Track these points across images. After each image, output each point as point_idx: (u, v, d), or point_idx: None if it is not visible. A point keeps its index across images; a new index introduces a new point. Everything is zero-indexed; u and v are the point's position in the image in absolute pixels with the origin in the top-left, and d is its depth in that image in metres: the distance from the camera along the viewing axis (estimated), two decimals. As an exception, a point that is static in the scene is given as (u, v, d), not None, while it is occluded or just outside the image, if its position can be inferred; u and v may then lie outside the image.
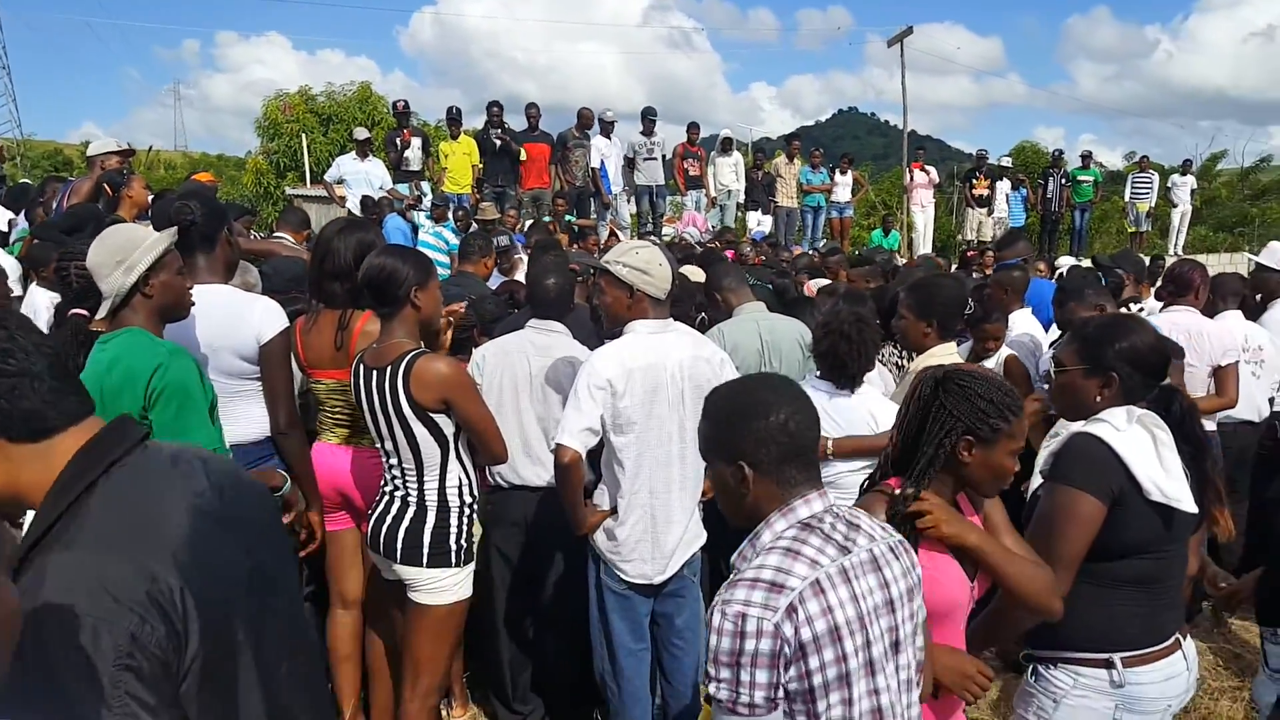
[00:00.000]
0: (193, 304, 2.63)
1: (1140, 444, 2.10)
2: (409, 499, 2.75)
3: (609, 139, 11.40)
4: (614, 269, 2.92)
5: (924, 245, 14.59)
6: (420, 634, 2.77)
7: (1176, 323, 4.52)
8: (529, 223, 10.15)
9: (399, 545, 2.72)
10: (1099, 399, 2.18)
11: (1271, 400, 4.83)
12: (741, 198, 13.08)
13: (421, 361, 2.65)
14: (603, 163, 11.18)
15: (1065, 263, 9.88)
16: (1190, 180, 16.71)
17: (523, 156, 10.98)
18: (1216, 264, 14.96)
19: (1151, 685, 2.11)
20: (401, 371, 2.64)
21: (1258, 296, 5.21)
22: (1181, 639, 2.22)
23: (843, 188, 13.85)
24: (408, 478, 2.76)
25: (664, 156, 11.98)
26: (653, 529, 2.96)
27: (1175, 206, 16.26)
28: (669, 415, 2.93)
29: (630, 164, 11.73)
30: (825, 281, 4.97)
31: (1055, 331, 4.67)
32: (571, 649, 3.48)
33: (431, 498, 2.73)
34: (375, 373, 2.71)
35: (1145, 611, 2.12)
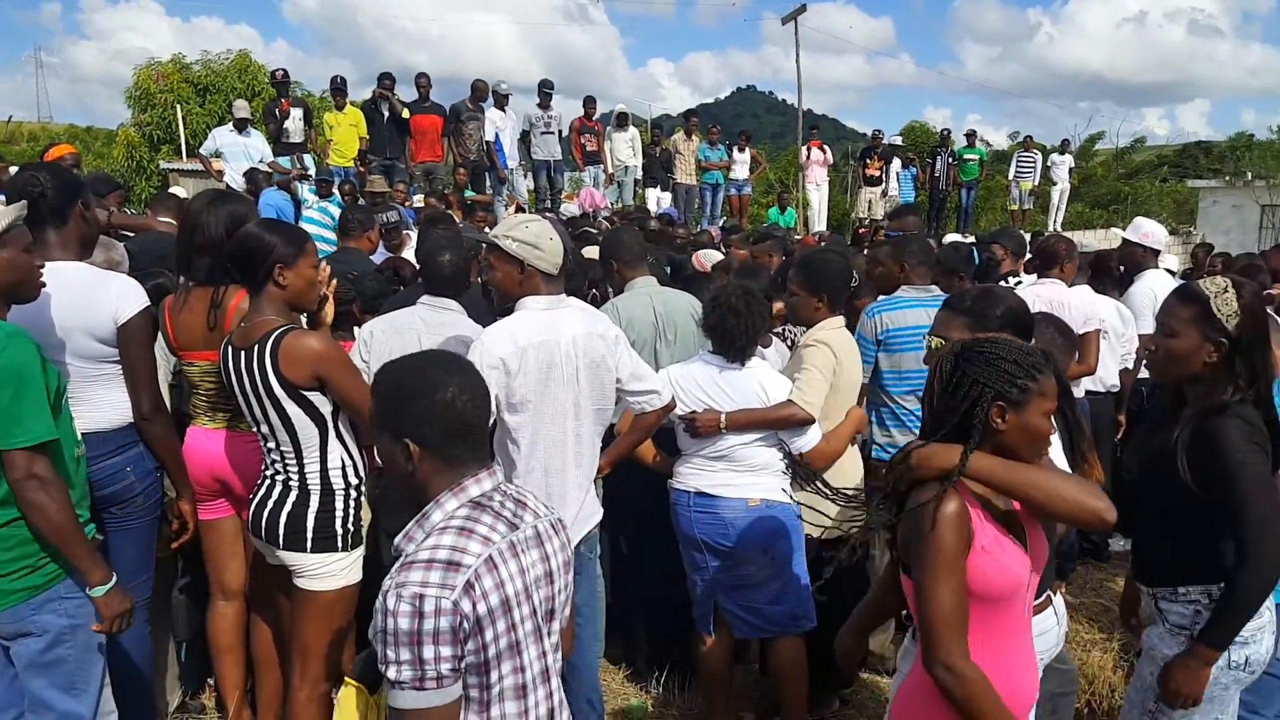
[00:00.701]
0: (43, 283, 2.45)
1: None
2: (290, 483, 2.66)
3: (504, 112, 11.17)
4: (503, 244, 2.85)
5: (819, 223, 14.88)
6: (307, 621, 2.70)
7: (1040, 294, 4.69)
8: (417, 197, 9.90)
9: (281, 531, 2.64)
10: None
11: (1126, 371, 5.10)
12: (640, 174, 13.05)
13: (289, 338, 2.55)
14: (497, 136, 10.95)
15: (951, 240, 10.22)
16: (1069, 159, 17.50)
17: (406, 114, 10.65)
18: (1093, 239, 15.79)
19: (1038, 638, 2.16)
20: (269, 349, 2.54)
21: (1122, 269, 5.48)
22: (1052, 595, 2.31)
23: (740, 165, 13.97)
24: (287, 461, 2.66)
25: (561, 131, 11.82)
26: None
27: (1055, 185, 17.02)
28: (563, 392, 2.90)
29: (526, 138, 11.54)
30: (716, 254, 4.97)
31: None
32: None
33: (314, 481, 2.65)
34: (243, 353, 2.59)
35: None
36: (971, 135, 16.69)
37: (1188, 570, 2.27)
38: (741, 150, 14.07)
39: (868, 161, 15.05)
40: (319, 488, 2.65)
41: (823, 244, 6.92)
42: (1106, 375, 4.96)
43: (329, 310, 2.87)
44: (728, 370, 3.26)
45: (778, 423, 3.24)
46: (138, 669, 2.93)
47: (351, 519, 2.67)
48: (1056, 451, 2.21)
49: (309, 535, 2.63)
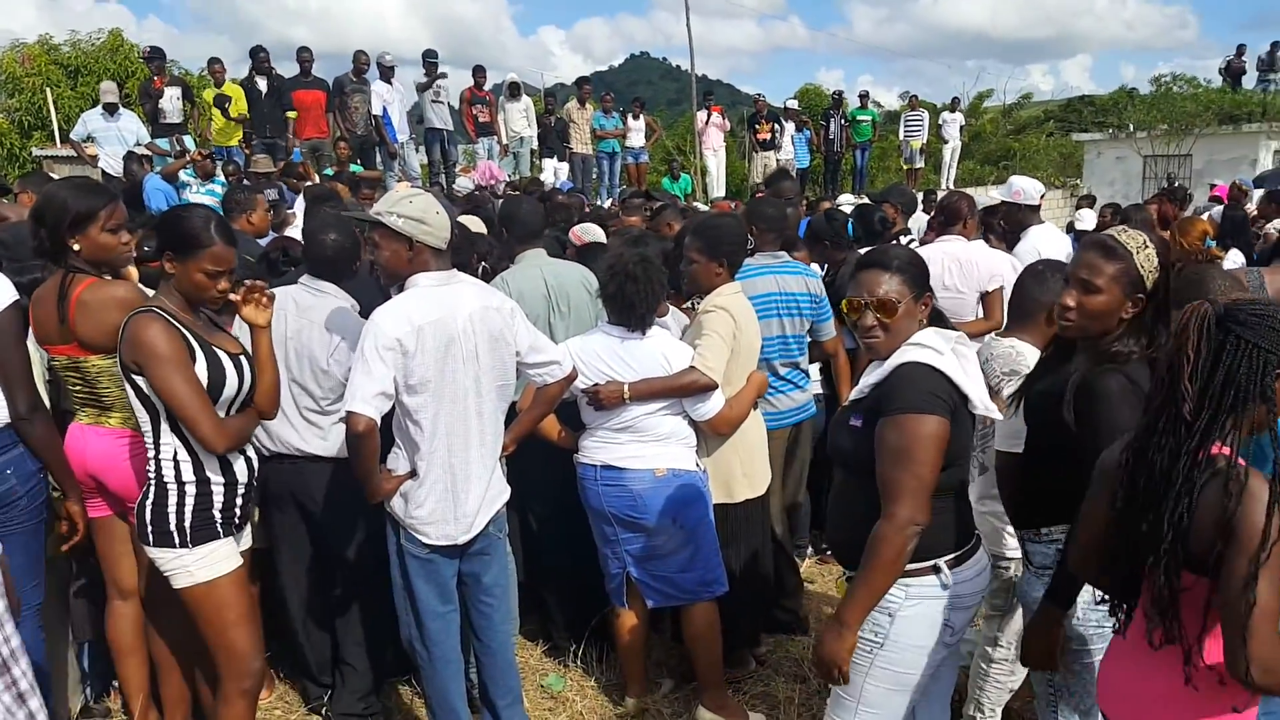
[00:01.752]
0: None
1: (954, 361, 2.19)
2: (148, 473, 2.61)
3: (390, 84, 10.81)
4: (388, 220, 2.72)
5: (717, 189, 14.91)
6: (193, 618, 2.64)
7: (948, 252, 4.77)
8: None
9: (138, 523, 2.61)
10: (921, 322, 2.24)
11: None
12: (535, 145, 12.83)
13: (134, 320, 2.50)
14: (385, 110, 10.59)
15: (845, 201, 10.37)
16: (959, 117, 17.98)
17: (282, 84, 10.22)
18: (982, 196, 16.22)
19: (970, 581, 2.24)
20: (123, 328, 2.53)
21: (1000, 226, 5.60)
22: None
23: (636, 133, 13.86)
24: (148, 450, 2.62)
25: (450, 104, 11.51)
26: (453, 489, 2.85)
27: (946, 143, 17.47)
28: (463, 371, 2.80)
29: (416, 110, 11.21)
30: (594, 228, 4.83)
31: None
32: (370, 618, 3.38)
33: (152, 472, 2.59)
34: None
35: (959, 514, 2.24)
36: (864, 96, 16.95)
37: (1051, 510, 2.31)
38: (636, 118, 13.96)
39: (756, 127, 15.11)
40: (155, 480, 2.58)
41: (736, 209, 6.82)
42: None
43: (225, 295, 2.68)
44: (629, 340, 3.20)
45: (681, 390, 3.20)
46: (36, 673, 2.75)
47: (189, 516, 2.56)
48: None
49: (149, 529, 2.57)
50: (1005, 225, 5.59)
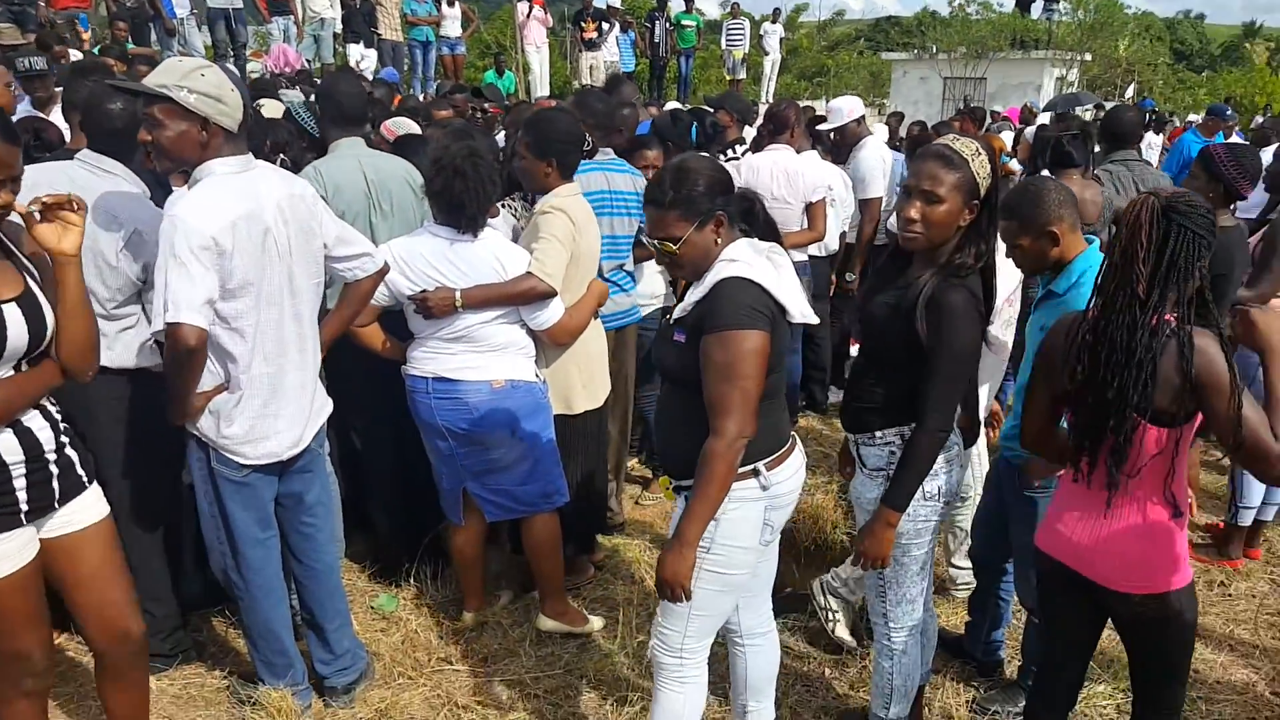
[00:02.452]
0: None
1: (770, 272, 2.18)
2: None
3: (170, -50, 9.58)
4: (177, 95, 2.34)
5: (541, 87, 14.40)
6: None
7: (776, 161, 4.79)
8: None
9: None
10: (718, 242, 2.20)
11: (843, 235, 5.39)
12: (339, 28, 11.82)
13: None
14: (162, -19, 9.40)
15: (670, 107, 10.26)
16: (779, 29, 18.17)
17: None
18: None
19: (786, 481, 2.30)
20: None
21: (831, 137, 5.69)
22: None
23: (452, 21, 13.06)
24: None
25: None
26: (274, 401, 2.59)
27: (767, 55, 17.64)
28: (279, 267, 2.52)
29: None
30: (407, 121, 4.45)
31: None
32: (170, 550, 3.09)
33: None
34: None
35: (776, 418, 2.29)
36: (689, 1, 16.74)
37: (889, 416, 2.41)
38: (451, 5, 13.14)
39: (582, 25, 14.64)
40: None
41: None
42: (829, 240, 5.20)
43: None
44: (459, 243, 2.98)
45: (518, 297, 3.03)
46: None
47: None
48: None
49: None
50: (835, 140, 5.67)
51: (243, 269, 2.42)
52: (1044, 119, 10.03)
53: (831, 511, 4.30)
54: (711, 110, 5.75)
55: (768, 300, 2.14)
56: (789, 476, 2.31)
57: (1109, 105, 13.30)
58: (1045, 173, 3.95)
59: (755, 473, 2.21)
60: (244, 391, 2.54)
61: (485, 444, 3.06)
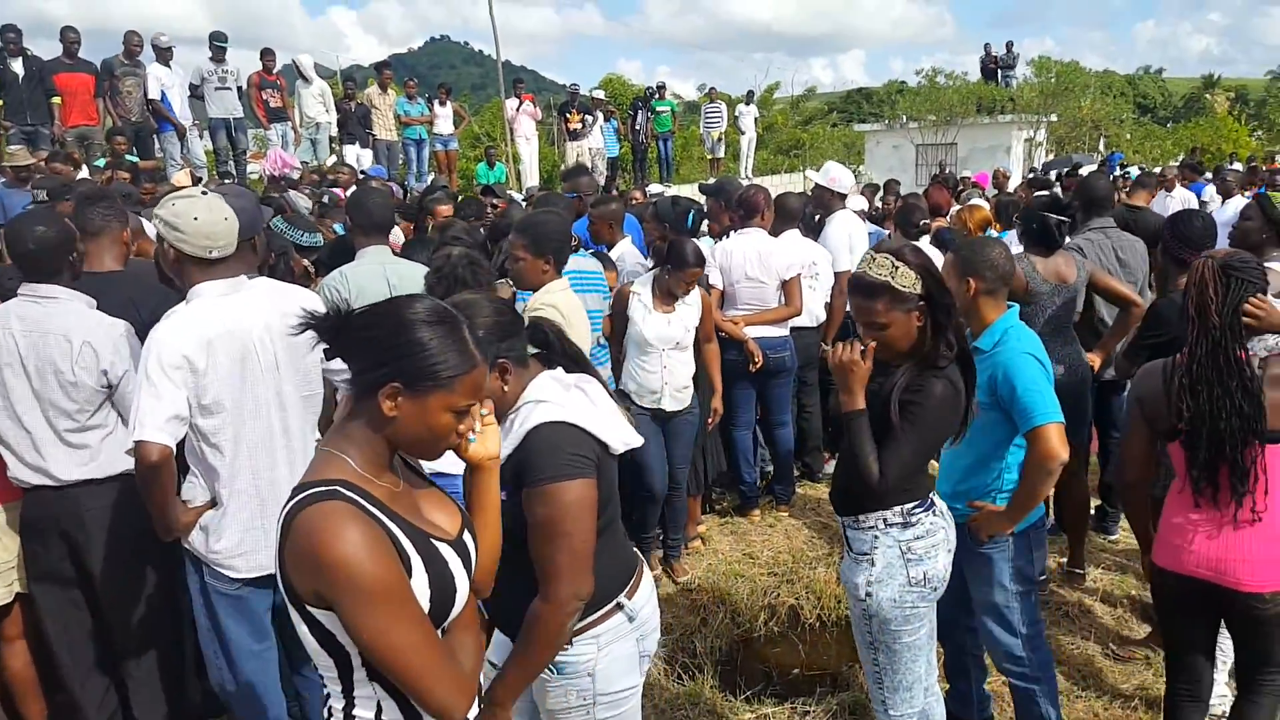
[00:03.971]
0: None
1: (584, 406, 2.01)
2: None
3: (169, 67, 9.97)
4: (151, 219, 2.57)
5: (530, 177, 14.82)
6: None
7: (749, 244, 4.99)
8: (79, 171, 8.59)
9: None
10: (505, 390, 1.99)
11: (829, 306, 5.57)
12: (335, 131, 12.24)
13: (311, 515, 1.45)
14: (164, 94, 9.77)
15: (654, 190, 10.59)
16: (753, 109, 18.81)
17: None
18: (779, 184, 17.10)
19: (648, 604, 2.18)
20: (281, 525, 1.54)
21: (817, 215, 5.93)
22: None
23: (444, 119, 13.53)
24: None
25: (239, 87, 10.77)
26: (262, 515, 2.65)
27: (743, 134, 18.22)
28: (264, 385, 2.62)
29: (197, 94, 10.40)
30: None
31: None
32: (165, 661, 3.09)
33: None
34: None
35: (618, 546, 2.16)
36: (661, 88, 17.36)
37: (871, 499, 2.41)
38: (443, 104, 13.63)
39: (568, 115, 15.15)
40: None
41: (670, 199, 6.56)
42: (816, 310, 5.40)
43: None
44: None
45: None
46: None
47: None
48: None
49: None
50: (814, 207, 5.91)
51: (218, 386, 2.51)
52: (1013, 183, 10.39)
53: (835, 585, 4.36)
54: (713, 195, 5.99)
55: (587, 440, 1.94)
56: (649, 597, 2.18)
57: (1088, 164, 13.77)
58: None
59: (619, 607, 2.08)
60: (230, 506, 2.60)
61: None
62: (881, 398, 2.35)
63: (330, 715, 1.55)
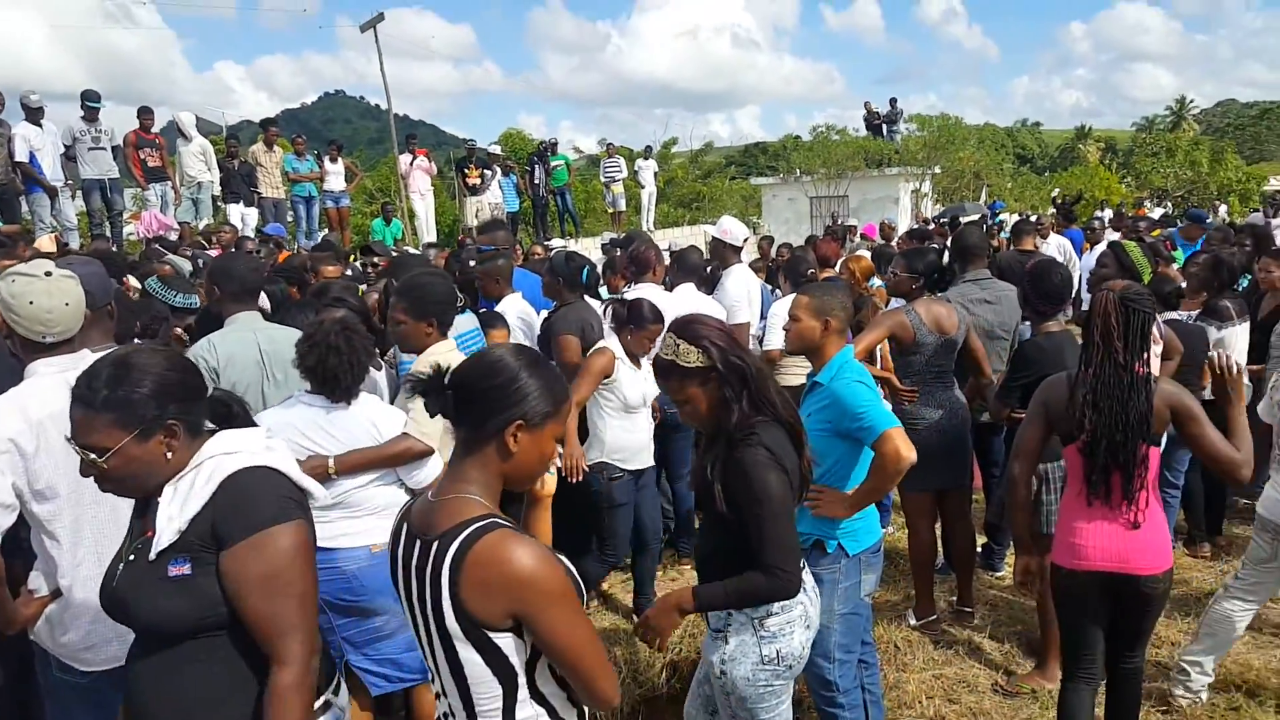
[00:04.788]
0: None
1: (282, 455, 1.91)
2: None
3: (39, 126, 9.50)
4: None
5: (428, 233, 14.65)
6: None
7: (644, 298, 4.97)
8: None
9: None
10: (169, 457, 1.84)
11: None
12: (218, 190, 11.86)
13: (495, 541, 1.67)
14: (33, 155, 9.29)
15: (556, 244, 10.59)
16: (652, 164, 19.13)
17: None
18: (681, 236, 17.33)
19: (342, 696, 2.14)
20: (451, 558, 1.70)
21: (711, 267, 5.98)
22: None
23: (335, 176, 13.29)
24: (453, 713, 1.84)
25: (115, 146, 10.33)
26: None
27: (643, 188, 18.49)
28: None
29: (70, 154, 9.94)
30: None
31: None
32: None
33: None
34: (419, 544, 1.72)
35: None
36: (554, 144, 17.51)
37: (726, 572, 2.36)
38: (334, 160, 13.40)
39: (465, 171, 15.11)
40: None
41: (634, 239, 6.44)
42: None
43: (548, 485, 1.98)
44: (334, 410, 2.97)
45: (395, 458, 3.02)
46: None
47: None
48: None
49: None
50: (711, 259, 5.96)
51: (50, 471, 2.34)
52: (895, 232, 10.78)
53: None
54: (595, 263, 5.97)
55: (292, 486, 1.85)
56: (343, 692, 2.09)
57: (975, 213, 14.42)
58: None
59: (327, 706, 1.94)
60: (75, 596, 2.41)
61: (366, 612, 2.98)
62: (706, 485, 2.35)
63: None
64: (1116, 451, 2.73)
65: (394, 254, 8.43)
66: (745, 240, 6.04)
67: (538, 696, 1.67)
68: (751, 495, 2.27)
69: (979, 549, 4.83)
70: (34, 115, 9.50)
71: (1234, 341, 4.93)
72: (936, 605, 4.42)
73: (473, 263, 5.47)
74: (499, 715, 1.65)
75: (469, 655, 1.61)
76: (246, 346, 3.42)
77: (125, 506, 2.44)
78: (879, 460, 2.82)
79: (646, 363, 4.19)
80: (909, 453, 2.76)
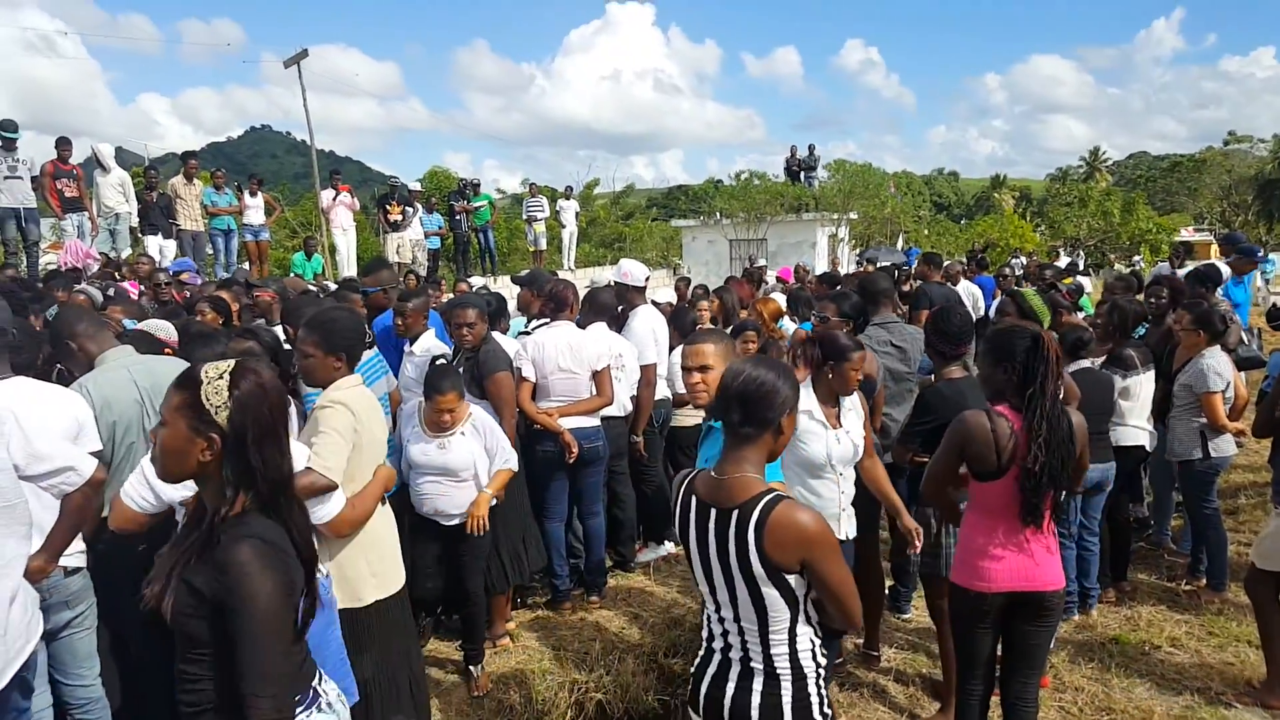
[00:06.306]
0: None
1: None
2: (751, 664, 2.36)
3: (-49, 154, 9.28)
4: None
5: (349, 268, 14.59)
6: None
7: (560, 336, 5.12)
8: None
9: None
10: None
11: (635, 398, 5.76)
12: (135, 221, 11.68)
13: (781, 511, 2.28)
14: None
15: (477, 282, 10.68)
16: (574, 204, 19.41)
17: None
18: (602, 276, 17.58)
19: None
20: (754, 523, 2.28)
21: (620, 308, 6.16)
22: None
23: (255, 210, 13.23)
24: (747, 639, 2.36)
25: (33, 176, 10.14)
26: None
27: (565, 228, 18.72)
28: None
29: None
30: (163, 324, 4.48)
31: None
32: None
33: (783, 665, 2.37)
34: (715, 512, 2.31)
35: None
36: (476, 185, 17.65)
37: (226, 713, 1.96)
38: (254, 194, 13.32)
39: (387, 208, 15.14)
40: (789, 673, 2.31)
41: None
42: (624, 400, 5.58)
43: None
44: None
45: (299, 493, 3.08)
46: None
47: (827, 704, 2.38)
48: None
49: None
50: (620, 305, 6.14)
51: None
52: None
53: (644, 676, 4.46)
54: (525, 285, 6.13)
55: None
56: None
57: (892, 258, 14.94)
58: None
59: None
60: None
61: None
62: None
63: (773, 661, 2.28)
64: (1056, 479, 2.99)
65: (311, 284, 8.46)
66: (648, 280, 6.21)
67: (806, 618, 2.29)
68: (237, 600, 1.82)
69: (886, 592, 4.95)
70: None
71: (1138, 390, 5.16)
72: (844, 648, 4.54)
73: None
74: (786, 631, 2.27)
75: (769, 591, 2.21)
76: (123, 386, 3.41)
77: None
78: None
79: (849, 417, 3.76)
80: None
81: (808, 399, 3.60)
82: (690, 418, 5.87)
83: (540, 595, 5.45)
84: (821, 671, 2.34)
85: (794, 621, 2.27)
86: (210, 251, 12.83)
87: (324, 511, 3.14)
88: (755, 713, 2.25)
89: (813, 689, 2.30)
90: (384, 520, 3.50)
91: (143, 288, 7.84)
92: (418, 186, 17.10)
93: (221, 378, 1.93)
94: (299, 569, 1.95)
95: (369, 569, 3.38)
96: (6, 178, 9.80)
